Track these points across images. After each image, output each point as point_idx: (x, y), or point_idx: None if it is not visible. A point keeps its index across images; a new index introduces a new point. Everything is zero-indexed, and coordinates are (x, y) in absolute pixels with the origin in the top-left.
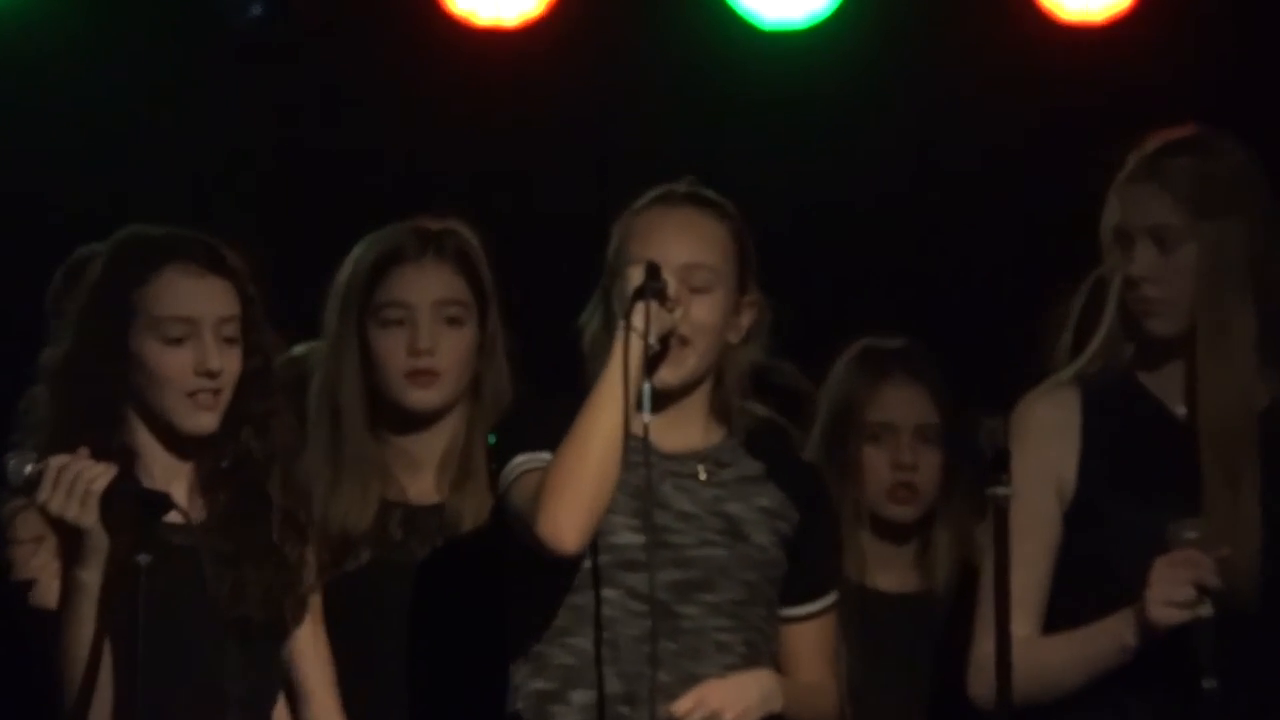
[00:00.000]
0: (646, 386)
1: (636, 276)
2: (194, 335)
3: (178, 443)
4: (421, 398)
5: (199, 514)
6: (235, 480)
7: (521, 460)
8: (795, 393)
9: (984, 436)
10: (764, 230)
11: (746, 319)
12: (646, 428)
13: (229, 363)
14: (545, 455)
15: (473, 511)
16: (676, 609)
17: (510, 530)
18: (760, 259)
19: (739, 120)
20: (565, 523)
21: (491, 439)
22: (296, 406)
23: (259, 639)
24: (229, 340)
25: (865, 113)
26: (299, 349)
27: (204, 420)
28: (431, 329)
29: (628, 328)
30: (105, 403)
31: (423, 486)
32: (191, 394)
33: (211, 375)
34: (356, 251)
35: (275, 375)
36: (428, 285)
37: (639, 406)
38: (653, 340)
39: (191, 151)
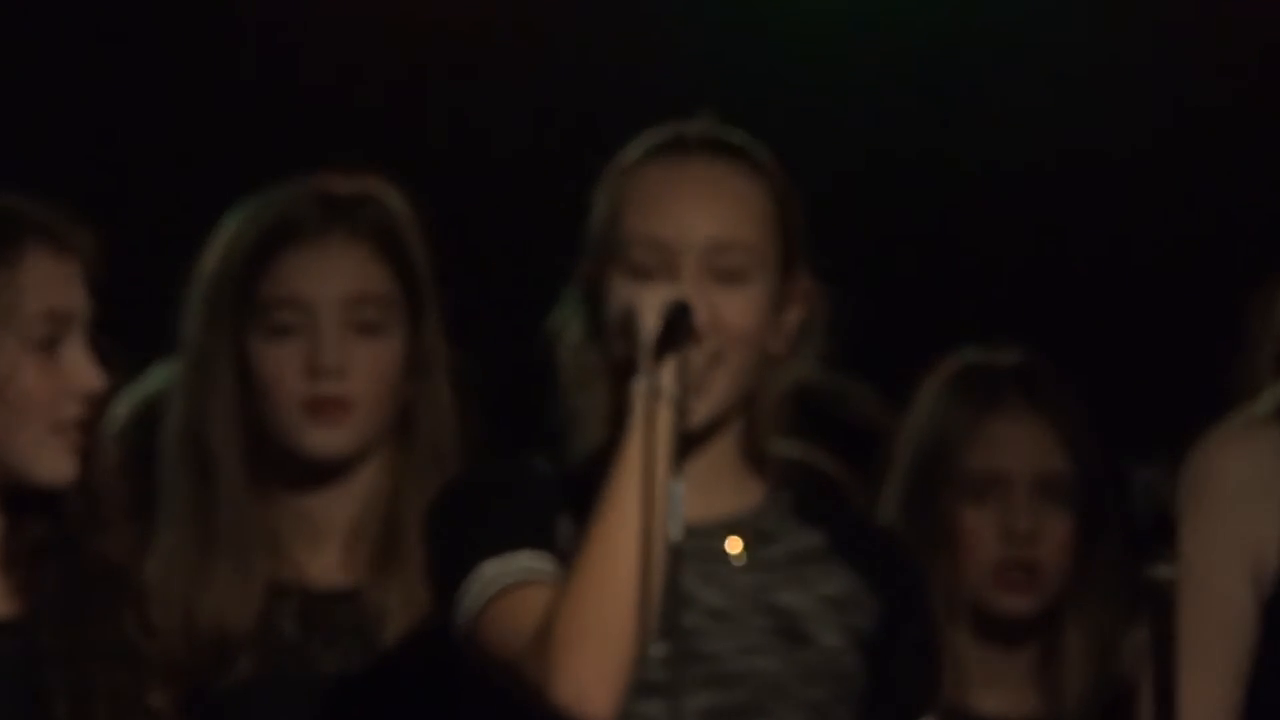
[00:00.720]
0: (679, 488)
1: (651, 318)
2: (63, 339)
3: (4, 501)
4: (325, 439)
5: (9, 604)
6: (63, 554)
7: (495, 572)
8: (871, 429)
9: (1140, 494)
10: (820, 195)
11: (794, 318)
12: (679, 547)
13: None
14: (527, 559)
15: (400, 602)
16: None
17: (472, 655)
18: (813, 235)
19: (782, 39)
20: (596, 684)
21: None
22: (147, 451)
23: None
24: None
25: (967, 34)
26: (163, 371)
27: (68, 466)
28: (339, 339)
29: (651, 392)
30: None
31: (326, 564)
32: (58, 428)
33: (87, 400)
34: (230, 225)
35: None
36: (333, 275)
37: (670, 504)
38: (687, 406)
39: None
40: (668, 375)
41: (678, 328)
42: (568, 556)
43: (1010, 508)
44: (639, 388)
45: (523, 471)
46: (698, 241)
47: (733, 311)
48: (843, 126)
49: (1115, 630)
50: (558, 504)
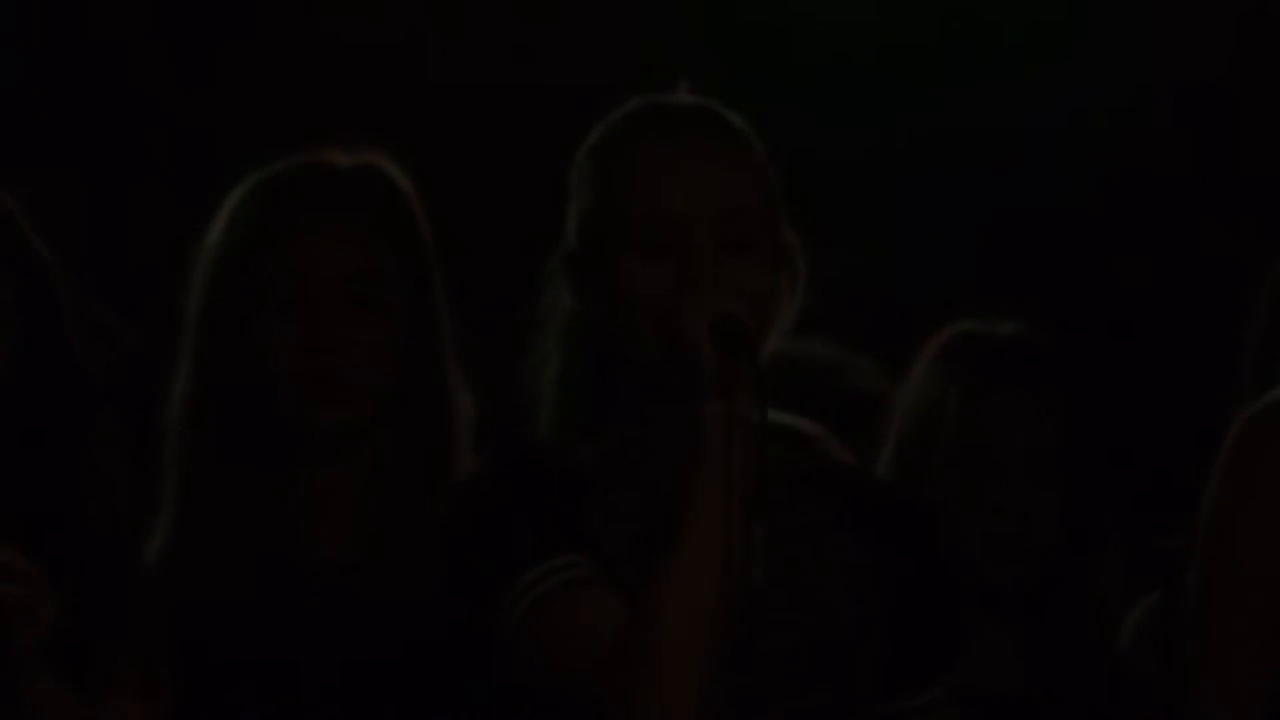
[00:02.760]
0: (760, 530)
1: (704, 342)
2: None
3: None
4: (324, 414)
5: None
6: (62, 533)
7: (533, 578)
8: (870, 400)
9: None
10: (801, 153)
11: (785, 277)
12: (759, 584)
13: None
14: (564, 561)
15: (402, 576)
16: None
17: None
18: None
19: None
20: (678, 712)
21: None
22: None
23: None
24: None
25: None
26: None
27: None
28: (338, 314)
29: (726, 418)
30: None
31: (327, 539)
32: None
33: None
34: (231, 200)
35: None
36: (330, 250)
37: (749, 544)
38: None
39: None
40: (744, 402)
41: (737, 347)
42: (598, 548)
43: (998, 481)
44: (712, 414)
45: (538, 467)
46: (707, 212)
47: (748, 276)
48: (846, 103)
49: (1112, 604)
50: (581, 497)
